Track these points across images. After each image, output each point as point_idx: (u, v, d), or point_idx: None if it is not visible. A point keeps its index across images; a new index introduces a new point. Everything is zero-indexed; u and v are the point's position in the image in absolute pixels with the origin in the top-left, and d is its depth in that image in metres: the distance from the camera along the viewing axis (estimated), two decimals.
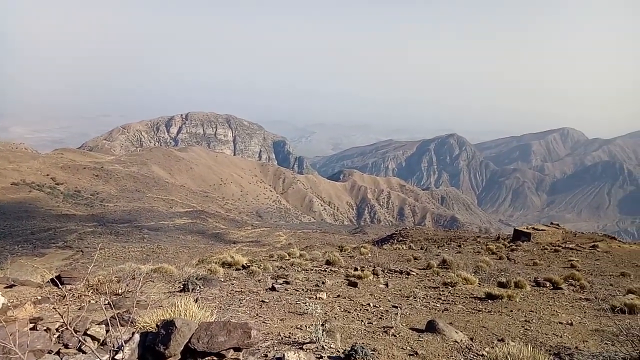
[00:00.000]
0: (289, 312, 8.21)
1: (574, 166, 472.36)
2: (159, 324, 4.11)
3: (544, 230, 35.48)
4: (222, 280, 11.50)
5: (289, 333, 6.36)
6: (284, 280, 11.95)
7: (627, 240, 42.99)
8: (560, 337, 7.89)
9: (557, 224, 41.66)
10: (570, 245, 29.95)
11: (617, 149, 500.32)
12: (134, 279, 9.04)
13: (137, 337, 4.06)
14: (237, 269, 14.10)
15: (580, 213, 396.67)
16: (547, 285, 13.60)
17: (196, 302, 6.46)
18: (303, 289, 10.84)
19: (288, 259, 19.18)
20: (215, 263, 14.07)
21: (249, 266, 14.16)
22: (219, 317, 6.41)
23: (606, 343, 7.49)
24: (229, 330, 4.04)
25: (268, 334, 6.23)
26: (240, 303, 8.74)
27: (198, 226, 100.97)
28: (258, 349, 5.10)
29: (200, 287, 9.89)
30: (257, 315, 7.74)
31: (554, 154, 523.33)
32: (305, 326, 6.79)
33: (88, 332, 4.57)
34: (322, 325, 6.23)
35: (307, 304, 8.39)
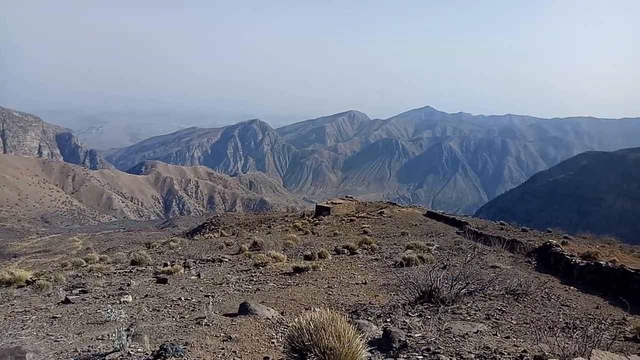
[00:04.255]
0: (87, 323, 7.35)
1: (361, 144, 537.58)
2: None
3: (341, 203, 39.47)
4: None
5: (88, 347, 5.70)
6: (80, 289, 10.65)
7: (405, 204, 50.90)
8: (357, 296, 8.95)
9: (351, 197, 46.88)
10: (363, 214, 34.05)
11: (393, 127, 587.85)
12: None
13: None
14: (20, 286, 11.98)
15: (369, 185, 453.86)
16: (346, 252, 15.24)
17: None
18: (104, 296, 9.86)
19: (85, 266, 17.15)
20: None
21: (34, 280, 12.15)
22: None
23: (391, 294, 8.80)
24: None
25: (61, 352, 5.47)
26: (24, 325, 7.45)
27: None
28: None
29: None
30: (47, 334, 6.70)
31: (344, 135, 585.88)
32: (108, 335, 6.17)
33: None
34: (127, 330, 5.75)
35: (109, 310, 7.64)
